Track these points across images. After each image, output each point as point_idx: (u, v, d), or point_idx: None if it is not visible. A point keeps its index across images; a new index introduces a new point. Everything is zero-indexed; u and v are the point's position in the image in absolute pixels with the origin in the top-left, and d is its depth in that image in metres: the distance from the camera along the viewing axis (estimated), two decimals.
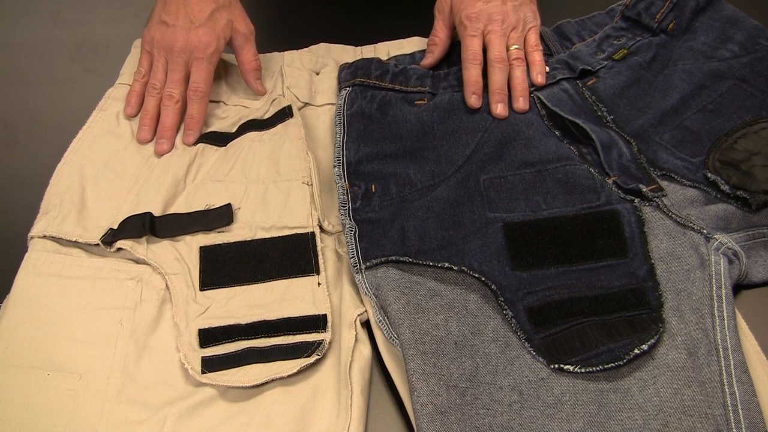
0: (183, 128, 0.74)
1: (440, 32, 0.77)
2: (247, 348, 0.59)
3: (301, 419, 0.56)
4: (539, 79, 0.73)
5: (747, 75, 0.72)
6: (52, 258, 0.64)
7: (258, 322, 0.61)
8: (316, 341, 0.59)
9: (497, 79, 0.72)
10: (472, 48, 0.73)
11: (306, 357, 0.58)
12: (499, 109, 0.71)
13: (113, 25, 0.93)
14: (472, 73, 0.72)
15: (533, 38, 0.75)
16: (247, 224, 0.67)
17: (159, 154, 0.71)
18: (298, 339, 0.60)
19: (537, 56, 0.74)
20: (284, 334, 0.60)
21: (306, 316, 0.61)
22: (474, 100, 0.71)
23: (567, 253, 0.62)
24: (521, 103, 0.71)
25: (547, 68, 0.76)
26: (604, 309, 0.59)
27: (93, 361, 0.59)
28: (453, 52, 0.82)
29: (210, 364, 0.58)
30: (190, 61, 0.72)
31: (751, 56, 0.74)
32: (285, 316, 0.61)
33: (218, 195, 0.69)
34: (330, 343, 0.60)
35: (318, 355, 0.58)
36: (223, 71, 0.81)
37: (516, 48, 0.73)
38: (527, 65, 0.74)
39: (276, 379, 0.58)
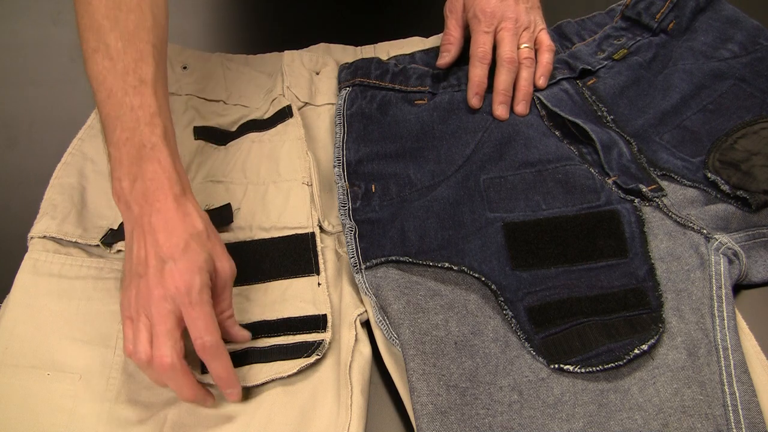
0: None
1: (454, 31, 0.75)
2: (248, 348, 0.59)
3: (301, 419, 0.56)
4: (541, 81, 0.72)
5: (747, 75, 0.72)
6: (52, 258, 0.64)
7: (258, 322, 0.61)
8: (316, 341, 0.59)
9: (504, 79, 0.71)
10: (483, 45, 0.71)
11: (306, 357, 0.58)
12: (501, 110, 0.70)
13: None
14: (477, 73, 0.71)
15: (546, 39, 0.74)
16: (246, 225, 0.67)
17: (233, 401, 0.57)
18: (298, 339, 0.60)
19: (547, 57, 0.74)
20: (284, 335, 0.60)
21: (306, 316, 0.61)
22: (476, 101, 0.71)
23: (567, 253, 0.62)
24: (522, 107, 0.71)
25: None
26: (604, 309, 0.59)
27: (93, 361, 0.59)
28: None
29: None
30: (177, 311, 0.54)
31: (751, 56, 0.74)
32: (285, 316, 0.61)
33: (218, 195, 0.69)
34: (330, 343, 0.60)
35: (318, 355, 0.58)
36: (222, 71, 0.81)
37: (527, 47, 0.72)
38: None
39: (276, 379, 0.58)
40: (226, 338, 0.58)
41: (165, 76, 0.61)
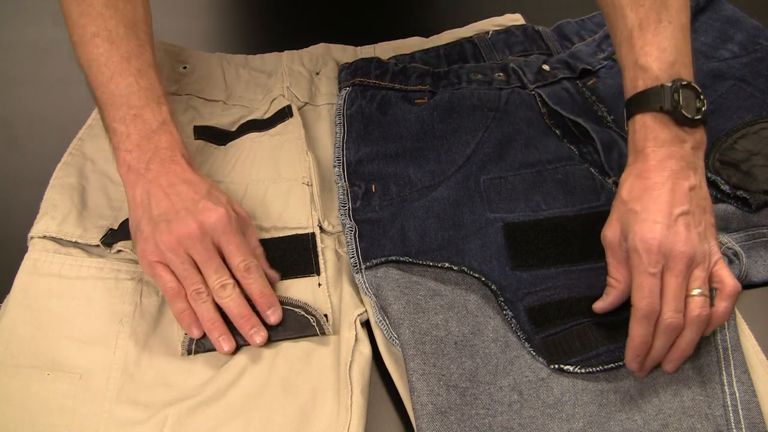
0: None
1: (616, 271, 0.57)
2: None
3: (301, 419, 0.56)
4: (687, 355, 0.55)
5: (747, 75, 0.72)
6: (52, 258, 0.64)
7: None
8: (320, 320, 0.60)
9: (661, 347, 0.54)
10: (649, 295, 0.53)
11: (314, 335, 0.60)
12: (642, 374, 0.55)
13: None
14: (640, 332, 0.54)
15: (727, 277, 0.55)
16: None
17: (259, 345, 0.59)
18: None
19: (725, 306, 0.54)
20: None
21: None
22: (635, 366, 0.55)
23: (567, 253, 0.62)
24: (671, 366, 0.55)
25: (547, 67, 0.76)
26: None
27: (93, 361, 0.59)
28: (453, 53, 0.82)
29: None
30: (217, 242, 0.58)
31: (751, 56, 0.74)
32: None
33: None
34: (330, 322, 0.61)
35: (329, 332, 0.60)
36: (222, 71, 0.81)
37: (699, 294, 0.53)
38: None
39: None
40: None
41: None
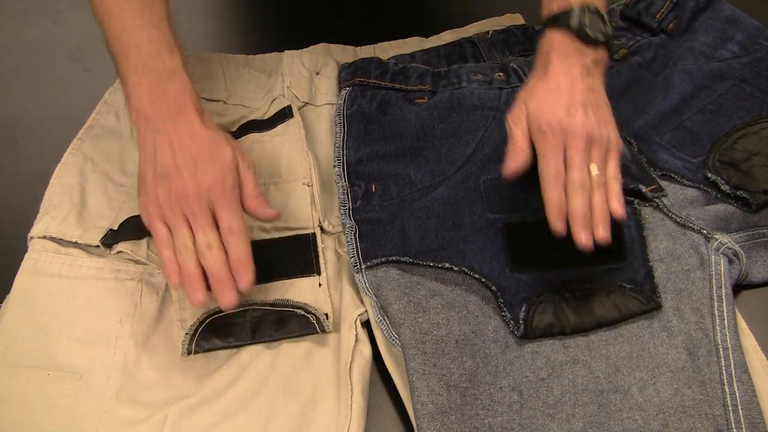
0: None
1: (521, 141, 0.63)
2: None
3: (301, 419, 0.56)
4: (619, 211, 0.60)
5: (747, 75, 0.72)
6: (52, 258, 0.64)
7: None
8: (320, 318, 0.61)
9: (579, 205, 0.60)
10: (554, 162, 0.61)
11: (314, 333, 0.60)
12: (584, 238, 0.60)
13: None
14: (555, 196, 0.60)
15: (613, 167, 0.62)
16: (247, 225, 0.67)
17: (228, 309, 0.60)
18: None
19: (616, 187, 0.62)
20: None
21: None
22: (561, 226, 0.60)
23: (566, 256, 0.62)
24: (601, 231, 0.60)
25: None
26: None
27: (93, 361, 0.59)
28: (453, 53, 0.82)
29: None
30: (212, 204, 0.60)
31: (751, 56, 0.74)
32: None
33: None
34: (330, 321, 0.61)
35: (328, 329, 0.60)
36: (222, 71, 0.81)
37: (597, 174, 0.61)
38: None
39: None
40: (256, 217, 0.63)
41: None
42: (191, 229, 0.60)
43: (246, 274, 0.59)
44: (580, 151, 0.61)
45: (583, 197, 0.61)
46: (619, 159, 0.62)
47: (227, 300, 0.58)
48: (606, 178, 0.61)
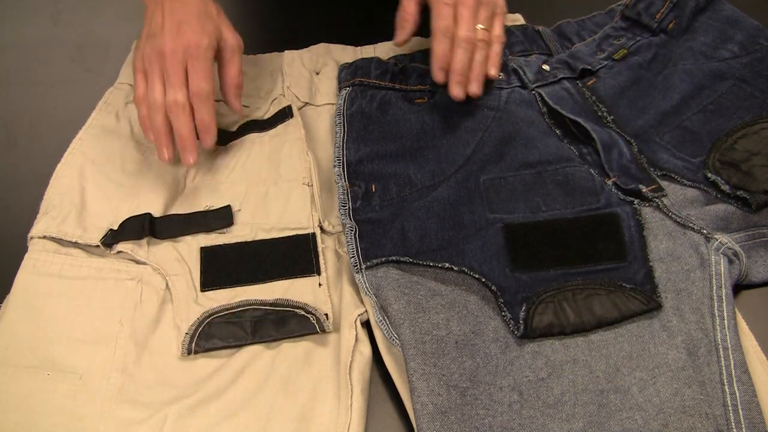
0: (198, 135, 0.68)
1: (408, 5, 0.72)
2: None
3: (301, 419, 0.56)
4: (493, 71, 0.70)
5: (747, 75, 0.72)
6: (52, 258, 0.64)
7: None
8: (320, 318, 0.60)
9: (461, 59, 0.68)
10: (445, 18, 0.68)
11: (319, 332, 0.60)
12: (457, 90, 0.68)
13: (113, 25, 0.93)
14: (441, 48, 0.68)
15: (498, 27, 0.71)
16: (247, 225, 0.67)
17: (189, 165, 0.67)
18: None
19: (498, 48, 0.71)
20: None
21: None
22: (441, 75, 0.69)
23: (566, 255, 0.62)
24: (475, 87, 0.69)
25: (547, 67, 0.76)
26: None
27: (93, 361, 0.59)
28: None
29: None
30: (185, 62, 0.66)
31: (751, 56, 0.74)
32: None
33: (219, 196, 0.69)
34: (330, 321, 0.61)
35: (328, 329, 0.60)
36: None
37: (483, 29, 0.69)
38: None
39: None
40: (227, 103, 0.72)
41: None
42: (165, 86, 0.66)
43: (208, 136, 0.67)
44: (469, 8, 0.68)
45: (465, 53, 0.68)
46: (503, 22, 0.71)
47: (186, 159, 0.66)
48: (490, 37, 0.70)
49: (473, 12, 0.69)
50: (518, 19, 0.86)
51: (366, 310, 0.62)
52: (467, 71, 0.69)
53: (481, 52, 0.69)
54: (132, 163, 0.72)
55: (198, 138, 0.67)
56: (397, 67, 0.76)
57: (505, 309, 0.59)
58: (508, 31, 0.83)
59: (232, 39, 0.70)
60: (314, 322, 0.60)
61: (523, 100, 0.74)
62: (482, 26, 0.69)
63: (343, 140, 0.71)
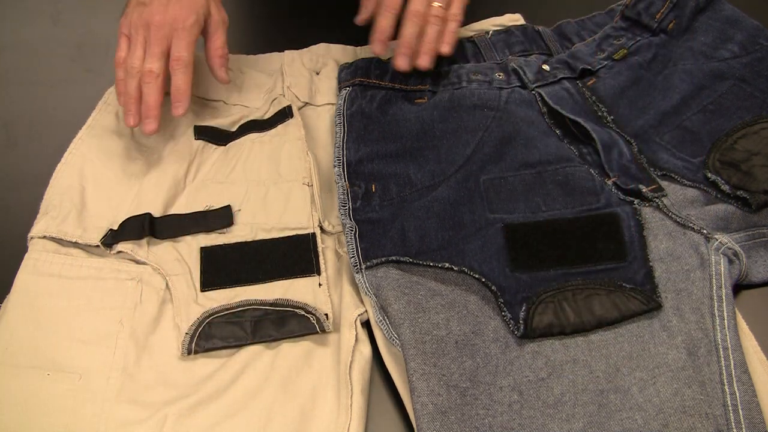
0: (171, 102, 0.70)
1: None
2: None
3: (301, 419, 0.56)
4: (446, 48, 0.72)
5: (747, 75, 0.72)
6: (52, 258, 0.64)
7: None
8: (320, 318, 0.60)
9: (409, 32, 0.71)
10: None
11: (319, 332, 0.60)
12: (400, 61, 0.72)
13: (113, 25, 0.93)
14: (383, 22, 0.71)
15: (456, 6, 0.73)
16: (247, 225, 0.67)
17: (147, 134, 0.68)
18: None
19: (453, 26, 0.73)
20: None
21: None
22: (378, 48, 0.72)
23: (566, 255, 0.62)
24: (424, 60, 0.71)
25: (547, 67, 0.76)
26: None
27: (93, 361, 0.59)
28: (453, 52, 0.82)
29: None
30: (170, 36, 0.68)
31: (751, 56, 0.74)
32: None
33: (219, 196, 0.69)
34: (330, 321, 0.61)
35: (328, 329, 0.60)
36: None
37: (439, 6, 0.71)
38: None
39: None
40: (212, 73, 0.74)
41: None
42: (145, 53, 0.67)
43: (181, 103, 0.68)
44: None
45: (414, 26, 0.70)
46: (463, 4, 0.73)
47: (148, 127, 0.67)
48: (446, 14, 0.71)
49: None
50: (518, 19, 0.86)
51: (366, 310, 0.62)
52: (413, 44, 0.71)
53: (434, 28, 0.71)
54: (132, 163, 0.72)
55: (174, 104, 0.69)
56: None
57: (505, 309, 0.59)
58: (509, 31, 0.83)
59: (217, 15, 0.72)
60: (314, 322, 0.60)
61: (523, 100, 0.74)
62: (439, 4, 0.71)
63: (343, 140, 0.71)
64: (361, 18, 0.75)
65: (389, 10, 0.71)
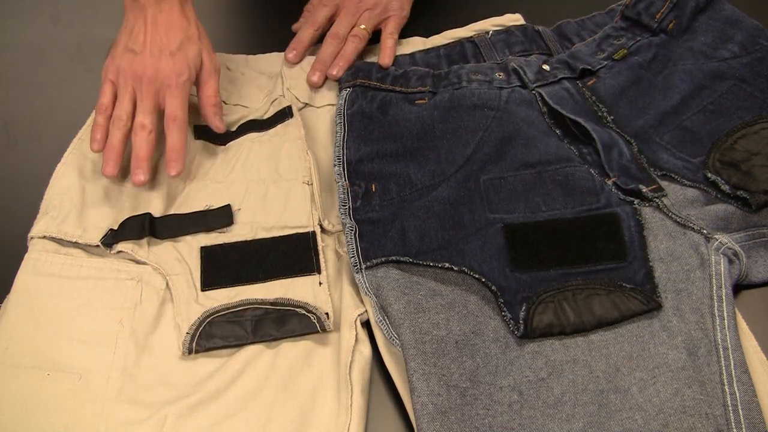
0: (165, 162, 0.68)
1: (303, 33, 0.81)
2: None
3: (301, 419, 0.56)
4: (386, 60, 0.77)
5: (747, 75, 0.72)
6: (52, 258, 0.64)
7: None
8: (320, 317, 0.60)
9: (325, 51, 0.78)
10: (316, 16, 0.80)
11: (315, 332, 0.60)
12: (315, 77, 0.77)
13: (113, 25, 0.93)
14: (302, 35, 0.80)
15: (391, 26, 0.79)
16: (247, 224, 0.67)
17: (138, 185, 0.67)
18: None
19: (390, 42, 0.79)
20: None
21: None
22: (289, 55, 0.79)
23: (566, 255, 0.62)
24: (334, 70, 0.77)
25: (547, 67, 0.76)
26: None
27: (93, 361, 0.59)
28: (453, 53, 0.82)
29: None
30: (161, 91, 0.67)
31: (751, 56, 0.74)
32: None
33: (219, 196, 0.69)
34: (331, 320, 0.61)
35: (329, 328, 0.60)
36: (223, 71, 0.81)
37: (363, 28, 0.79)
38: (379, 51, 0.80)
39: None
40: (206, 122, 0.72)
41: None
42: (133, 106, 0.67)
43: (177, 163, 0.67)
44: (349, 10, 0.79)
45: (332, 47, 0.78)
46: (399, 24, 0.81)
47: (137, 178, 0.66)
48: (381, 36, 0.79)
49: (352, 14, 0.79)
50: (518, 19, 0.86)
51: (366, 310, 0.62)
52: (328, 61, 0.78)
53: (353, 44, 0.78)
54: None
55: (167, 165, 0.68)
56: (398, 71, 0.77)
57: (505, 309, 0.59)
58: (509, 31, 0.83)
59: (209, 63, 0.71)
60: (315, 321, 0.60)
61: (524, 100, 0.74)
62: (363, 26, 0.79)
63: (343, 140, 0.71)
64: (295, 26, 0.83)
65: (311, 26, 0.79)
